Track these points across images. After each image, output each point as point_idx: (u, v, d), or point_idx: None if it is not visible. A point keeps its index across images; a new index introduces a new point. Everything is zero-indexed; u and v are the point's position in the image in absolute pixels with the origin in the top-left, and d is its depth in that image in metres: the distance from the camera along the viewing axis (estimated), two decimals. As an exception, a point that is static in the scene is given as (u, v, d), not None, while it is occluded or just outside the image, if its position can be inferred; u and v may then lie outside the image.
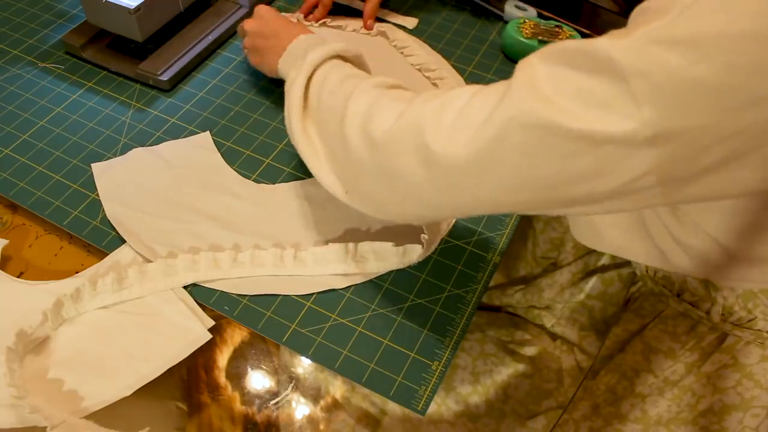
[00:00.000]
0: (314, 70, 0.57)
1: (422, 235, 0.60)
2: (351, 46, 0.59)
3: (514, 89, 0.40)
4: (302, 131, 0.56)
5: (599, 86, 0.36)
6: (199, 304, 0.60)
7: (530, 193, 0.41)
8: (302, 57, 0.59)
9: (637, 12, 0.38)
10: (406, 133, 0.45)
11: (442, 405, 0.73)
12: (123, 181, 0.68)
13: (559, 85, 0.38)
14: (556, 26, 0.85)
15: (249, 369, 0.78)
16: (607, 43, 0.36)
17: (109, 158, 0.71)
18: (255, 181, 0.70)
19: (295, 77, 0.57)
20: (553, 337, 0.74)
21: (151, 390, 0.55)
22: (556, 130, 0.37)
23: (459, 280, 0.63)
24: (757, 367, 0.59)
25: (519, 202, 0.42)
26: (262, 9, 0.72)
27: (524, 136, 0.39)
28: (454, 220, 0.67)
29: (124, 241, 0.63)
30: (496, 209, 0.45)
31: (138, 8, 0.74)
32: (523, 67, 0.41)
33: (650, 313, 0.65)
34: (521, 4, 0.90)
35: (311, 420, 0.78)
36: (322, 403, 0.78)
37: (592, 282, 0.70)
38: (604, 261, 0.70)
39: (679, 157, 0.36)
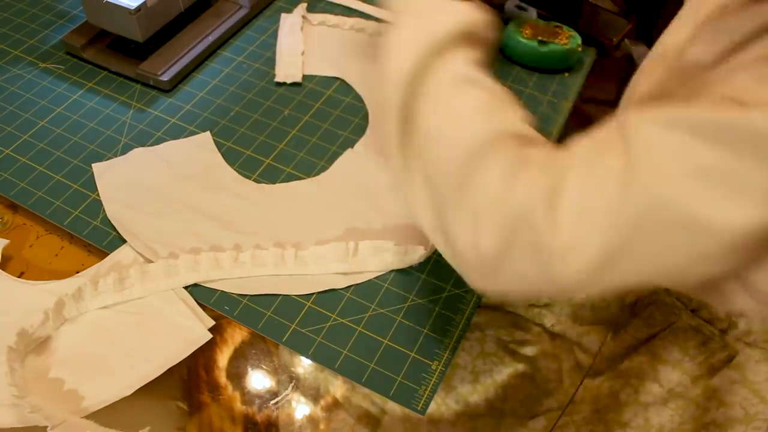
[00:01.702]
0: (435, 57, 0.42)
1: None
2: (483, 15, 0.44)
3: (639, 169, 0.34)
4: (400, 148, 0.44)
5: (756, 172, 0.31)
6: (200, 304, 0.60)
7: (661, 278, 0.38)
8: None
9: (755, 62, 0.34)
10: (517, 233, 0.38)
11: (442, 405, 0.73)
12: (123, 181, 0.69)
13: (698, 168, 0.32)
14: (556, 26, 0.85)
15: (249, 369, 0.78)
16: (764, 116, 0.30)
17: (110, 158, 0.71)
18: (255, 181, 0.70)
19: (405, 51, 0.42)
20: (553, 336, 0.74)
21: (151, 390, 0.55)
22: (702, 227, 0.33)
23: (459, 280, 0.63)
24: (764, 384, 0.59)
25: (647, 283, 0.39)
26: None
27: (661, 230, 0.34)
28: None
29: (124, 241, 0.63)
30: (617, 293, 0.42)
31: (138, 8, 0.74)
32: (638, 133, 0.35)
33: (660, 323, 0.64)
34: (521, 4, 0.90)
35: (311, 419, 0.78)
36: (322, 402, 0.78)
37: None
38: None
39: None
